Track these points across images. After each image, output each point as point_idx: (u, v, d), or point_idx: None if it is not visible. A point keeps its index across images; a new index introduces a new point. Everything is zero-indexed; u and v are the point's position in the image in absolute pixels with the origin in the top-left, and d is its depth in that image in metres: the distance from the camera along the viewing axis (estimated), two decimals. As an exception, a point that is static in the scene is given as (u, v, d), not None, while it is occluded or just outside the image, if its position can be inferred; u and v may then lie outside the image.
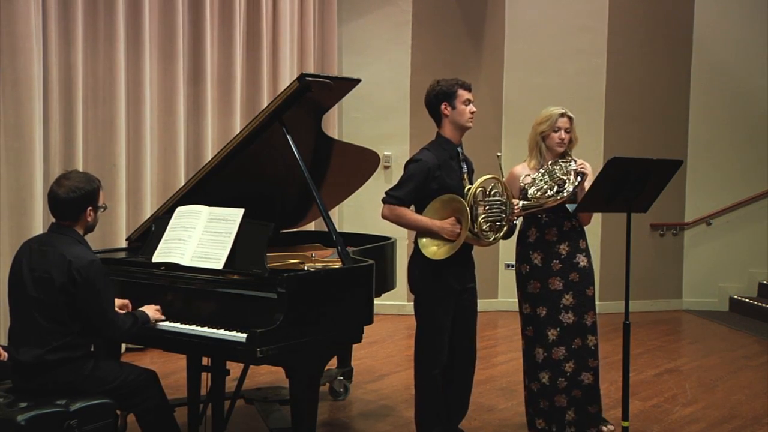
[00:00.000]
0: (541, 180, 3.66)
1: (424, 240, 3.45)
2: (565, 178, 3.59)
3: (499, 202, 3.46)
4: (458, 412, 3.74)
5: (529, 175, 3.73)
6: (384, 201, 3.49)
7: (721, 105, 7.57)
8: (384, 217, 3.52)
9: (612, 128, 7.11)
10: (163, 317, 3.16)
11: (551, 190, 3.62)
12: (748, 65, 7.53)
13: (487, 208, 3.44)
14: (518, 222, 3.77)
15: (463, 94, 3.50)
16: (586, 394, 3.75)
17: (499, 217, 3.46)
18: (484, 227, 3.43)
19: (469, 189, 3.43)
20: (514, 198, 3.57)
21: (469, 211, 3.34)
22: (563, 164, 3.66)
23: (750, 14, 7.52)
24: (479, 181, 3.44)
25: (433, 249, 3.42)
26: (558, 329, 3.72)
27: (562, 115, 3.72)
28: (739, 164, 7.59)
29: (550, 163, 3.69)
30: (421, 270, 3.54)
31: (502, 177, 3.51)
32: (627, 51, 7.27)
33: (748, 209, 7.61)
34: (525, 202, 3.62)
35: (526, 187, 3.70)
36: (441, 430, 3.62)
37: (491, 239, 3.48)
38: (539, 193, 3.64)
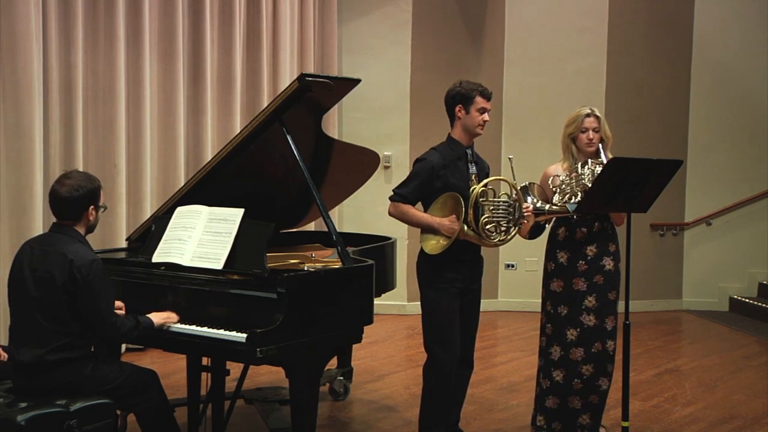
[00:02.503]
0: (567, 185, 3.64)
1: (426, 235, 3.48)
2: (590, 184, 3.54)
3: (505, 204, 3.45)
4: (452, 413, 3.72)
5: (558, 176, 3.71)
6: (390, 198, 3.53)
7: (721, 105, 7.57)
8: (390, 214, 3.56)
9: (612, 128, 7.04)
10: (172, 322, 3.12)
11: (575, 197, 3.58)
12: (749, 65, 7.53)
13: (492, 208, 3.43)
14: (550, 223, 3.75)
15: (480, 101, 3.49)
16: (602, 399, 3.74)
17: (505, 219, 3.45)
18: (488, 227, 3.42)
19: (474, 189, 3.43)
20: (526, 201, 3.55)
21: (464, 208, 3.34)
22: (592, 168, 3.60)
23: (750, 14, 7.52)
24: (484, 181, 3.45)
25: (432, 244, 3.44)
26: (578, 330, 3.69)
27: (589, 115, 3.69)
28: (739, 164, 7.58)
29: (579, 164, 3.66)
30: (426, 269, 3.56)
31: (514, 179, 3.49)
32: (627, 51, 7.27)
33: (748, 209, 7.61)
34: (548, 206, 3.61)
35: (554, 189, 3.69)
36: (443, 430, 3.61)
37: (495, 240, 3.46)
38: (564, 199, 3.62)
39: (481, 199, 3.42)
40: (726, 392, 4.85)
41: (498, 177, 3.49)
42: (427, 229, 3.48)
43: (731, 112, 7.57)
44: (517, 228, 3.49)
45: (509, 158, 3.53)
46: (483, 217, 3.41)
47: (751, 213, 7.61)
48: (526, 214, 3.49)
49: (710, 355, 5.87)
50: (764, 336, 6.46)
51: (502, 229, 3.47)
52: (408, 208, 3.50)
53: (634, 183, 3.33)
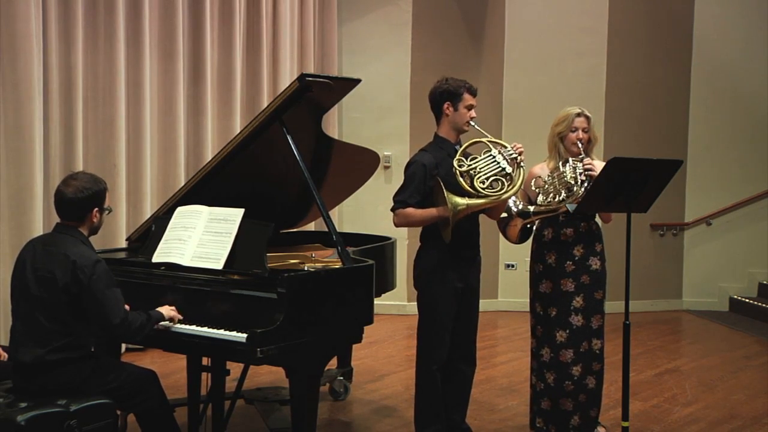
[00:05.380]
0: (549, 185, 3.63)
1: (441, 226, 3.43)
2: (572, 181, 3.55)
3: (490, 157, 3.41)
4: (457, 411, 3.73)
5: (540, 177, 3.71)
6: (392, 210, 3.52)
7: (721, 105, 7.57)
8: (397, 225, 3.54)
9: (612, 128, 7.10)
10: (179, 317, 3.12)
11: (559, 195, 3.59)
12: (749, 65, 7.53)
13: (480, 167, 3.39)
14: (536, 224, 3.75)
15: (468, 98, 3.51)
16: (590, 398, 3.75)
17: (497, 168, 3.40)
18: (488, 185, 3.36)
19: (454, 168, 3.38)
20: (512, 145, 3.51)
21: (443, 187, 3.29)
22: (573, 166, 3.59)
23: (750, 14, 7.52)
24: (458, 154, 3.41)
25: (447, 231, 3.38)
26: (567, 331, 3.69)
27: (579, 114, 3.69)
28: (739, 164, 7.58)
29: (561, 162, 3.67)
30: (424, 267, 3.56)
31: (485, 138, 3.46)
32: (627, 51, 7.27)
33: (748, 209, 7.61)
34: (532, 208, 3.60)
35: (537, 191, 3.69)
36: (438, 428, 3.62)
37: (504, 192, 3.38)
38: (548, 199, 3.61)
39: (462, 170, 3.38)
40: (726, 392, 4.85)
41: (468, 142, 3.45)
42: (439, 221, 3.44)
43: (731, 112, 7.57)
44: (520, 168, 3.42)
45: (472, 123, 3.51)
46: (477, 179, 3.37)
47: (751, 213, 7.61)
48: (517, 150, 3.43)
49: (710, 355, 5.87)
50: (764, 336, 6.46)
51: (503, 177, 3.40)
52: (411, 211, 3.47)
53: (634, 183, 3.33)
